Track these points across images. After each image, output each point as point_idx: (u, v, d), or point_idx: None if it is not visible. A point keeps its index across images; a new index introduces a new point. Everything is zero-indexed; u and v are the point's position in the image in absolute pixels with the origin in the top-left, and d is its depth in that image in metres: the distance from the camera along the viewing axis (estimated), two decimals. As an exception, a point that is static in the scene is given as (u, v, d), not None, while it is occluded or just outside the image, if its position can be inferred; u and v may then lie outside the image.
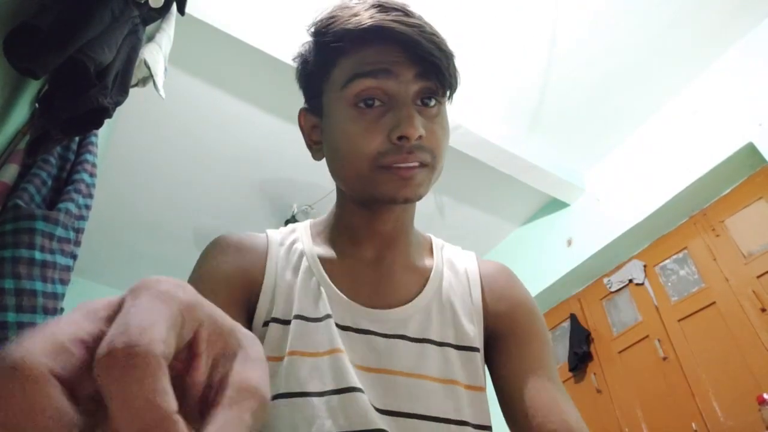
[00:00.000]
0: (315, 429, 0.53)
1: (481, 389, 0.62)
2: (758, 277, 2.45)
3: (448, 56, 0.59)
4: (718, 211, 2.73)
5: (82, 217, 0.96)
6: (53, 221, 0.86)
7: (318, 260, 0.65)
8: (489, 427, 0.61)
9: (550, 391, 0.59)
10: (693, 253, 2.79)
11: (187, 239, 3.79)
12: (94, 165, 1.04)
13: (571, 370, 3.13)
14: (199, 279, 0.60)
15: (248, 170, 3.30)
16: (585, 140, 3.19)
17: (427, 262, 0.69)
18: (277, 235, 0.68)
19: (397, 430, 0.55)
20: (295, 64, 0.66)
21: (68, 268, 0.89)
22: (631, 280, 3.04)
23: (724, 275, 2.60)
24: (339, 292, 0.63)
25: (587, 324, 3.20)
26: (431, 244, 0.73)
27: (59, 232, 0.87)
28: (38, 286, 0.82)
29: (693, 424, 2.49)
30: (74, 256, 0.91)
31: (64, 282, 0.87)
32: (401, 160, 0.56)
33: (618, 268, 3.14)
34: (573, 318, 3.25)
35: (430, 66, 0.57)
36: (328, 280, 0.63)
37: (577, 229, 3.28)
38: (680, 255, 2.86)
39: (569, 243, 3.28)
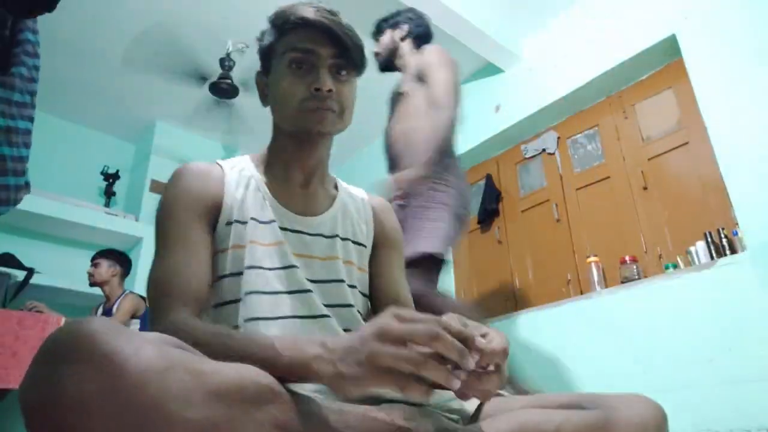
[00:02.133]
0: (268, 288, 0.80)
1: (364, 271, 0.95)
2: (649, 159, 2.80)
3: (357, 46, 0.85)
4: (631, 95, 2.97)
5: (33, 80, 0.98)
6: (9, 86, 0.89)
7: (263, 182, 0.89)
8: (368, 295, 0.94)
9: (401, 290, 0.95)
10: (602, 131, 3.08)
11: (115, 66, 3.60)
12: (35, 21, 1.02)
13: (479, 222, 3.54)
14: (173, 199, 0.82)
15: (181, 3, 3.10)
16: (525, 7, 3.21)
17: (334, 190, 0.98)
18: (225, 163, 0.91)
19: (317, 289, 0.84)
20: (257, 42, 0.92)
21: (29, 132, 0.94)
22: (544, 149, 3.34)
23: (622, 154, 2.94)
24: (279, 204, 0.88)
25: (500, 184, 3.55)
26: (336, 182, 1.01)
27: (16, 97, 0.91)
28: (6, 151, 0.88)
29: (568, 274, 3.00)
30: (31, 119, 0.96)
31: (27, 146, 0.94)
32: (317, 105, 0.83)
33: (536, 136, 3.41)
34: (488, 178, 3.58)
35: (343, 50, 0.84)
36: (270, 195, 0.88)
37: (507, 96, 3.45)
38: (591, 131, 3.15)
39: (497, 109, 3.47)
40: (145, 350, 0.46)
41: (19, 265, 2.87)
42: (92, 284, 3.11)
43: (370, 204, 1.01)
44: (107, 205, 4.08)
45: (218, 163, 0.91)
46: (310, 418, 0.60)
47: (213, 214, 0.84)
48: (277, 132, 0.92)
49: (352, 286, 0.89)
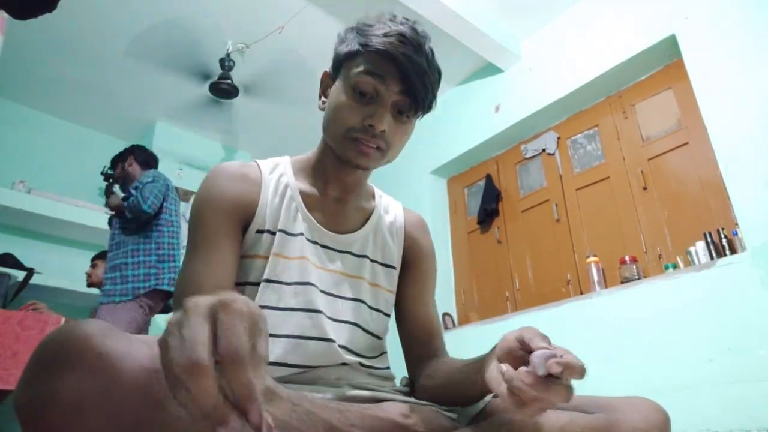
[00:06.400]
0: (282, 304, 0.80)
1: (392, 292, 0.93)
2: (649, 159, 2.80)
3: (427, 90, 0.81)
4: (631, 96, 2.97)
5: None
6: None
7: (298, 192, 0.88)
8: (389, 315, 0.93)
9: (430, 311, 0.95)
10: (602, 131, 3.08)
11: (115, 66, 3.60)
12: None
13: (479, 222, 3.53)
14: (205, 201, 0.81)
15: (181, 3, 3.10)
16: (525, 7, 3.21)
17: (371, 204, 0.96)
18: (265, 166, 0.90)
19: (331, 306, 0.83)
20: (337, 38, 0.87)
21: None
22: (544, 150, 3.34)
23: (622, 154, 2.94)
24: (311, 217, 0.87)
25: (500, 184, 3.55)
26: (374, 193, 0.99)
27: None
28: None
29: (568, 274, 3.00)
30: None
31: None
32: (365, 140, 0.80)
33: (535, 137, 3.41)
34: (488, 178, 3.58)
35: (411, 93, 0.80)
36: (304, 208, 0.87)
37: (506, 96, 3.45)
38: (591, 131, 3.14)
39: (497, 109, 3.47)
40: (139, 351, 0.46)
41: (19, 265, 2.87)
42: (89, 285, 3.12)
43: (404, 221, 0.99)
44: (107, 205, 4.07)
45: (258, 164, 0.89)
46: (309, 416, 0.60)
47: (245, 219, 0.83)
48: (324, 144, 0.89)
49: (376, 309, 0.89)
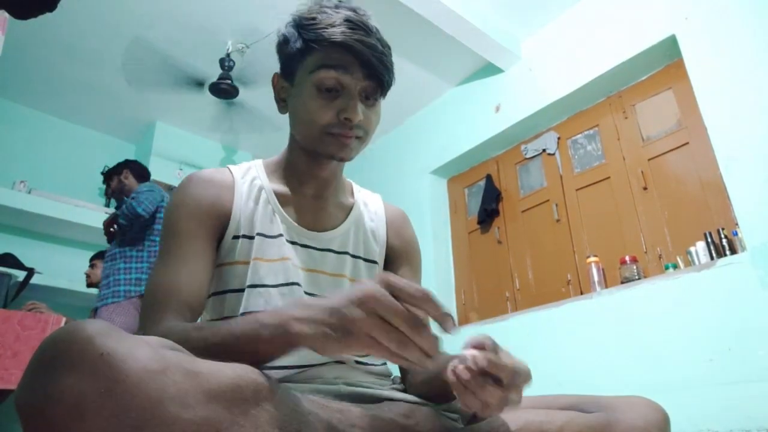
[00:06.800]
0: (269, 307, 0.79)
1: None
2: (649, 159, 2.80)
3: (388, 69, 0.81)
4: (631, 96, 2.97)
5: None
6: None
7: (273, 194, 0.88)
8: None
9: None
10: (602, 131, 3.08)
11: (114, 66, 3.60)
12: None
13: (479, 222, 3.53)
14: (178, 208, 0.80)
15: (181, 3, 3.10)
16: (524, 7, 3.21)
17: (350, 200, 0.96)
18: (237, 171, 0.89)
19: None
20: (277, 38, 0.87)
21: None
22: (544, 150, 3.34)
23: (622, 154, 2.94)
24: (288, 217, 0.87)
25: (500, 184, 3.55)
26: (352, 187, 0.99)
27: None
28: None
29: (568, 274, 3.00)
30: None
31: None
32: (344, 134, 0.80)
33: (536, 137, 3.41)
34: (488, 178, 3.58)
35: (375, 77, 0.80)
36: (281, 208, 0.87)
37: (506, 96, 3.45)
38: (591, 131, 3.14)
39: (497, 109, 3.47)
40: (140, 352, 0.46)
41: (19, 265, 2.87)
42: (89, 285, 3.12)
43: (385, 215, 0.98)
44: (107, 205, 4.08)
45: (230, 170, 0.88)
46: (309, 416, 0.60)
47: (220, 226, 0.82)
48: (293, 144, 0.89)
49: None
